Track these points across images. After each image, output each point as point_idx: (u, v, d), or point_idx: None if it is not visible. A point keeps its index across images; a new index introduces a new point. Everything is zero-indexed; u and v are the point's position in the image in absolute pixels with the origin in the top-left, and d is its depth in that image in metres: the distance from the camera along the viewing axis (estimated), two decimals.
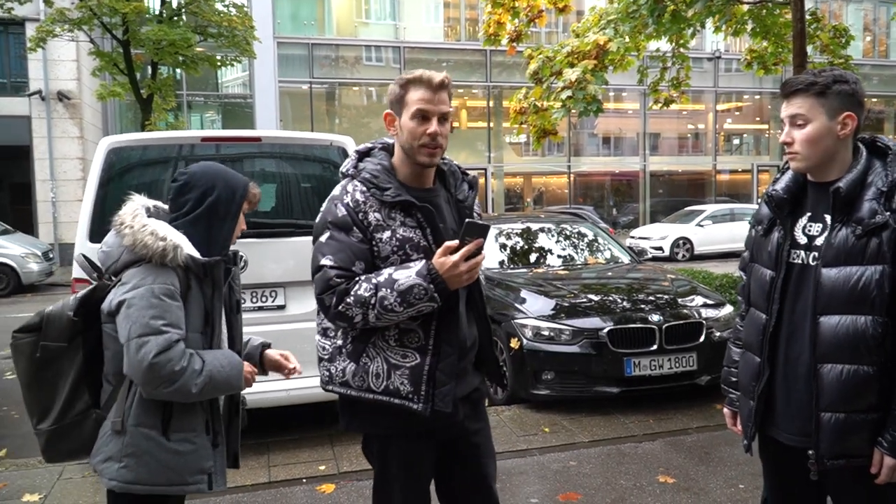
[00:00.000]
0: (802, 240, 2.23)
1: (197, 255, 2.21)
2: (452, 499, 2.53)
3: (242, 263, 4.69)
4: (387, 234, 2.19)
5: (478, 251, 2.16)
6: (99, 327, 2.26)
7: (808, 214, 2.25)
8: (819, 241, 2.18)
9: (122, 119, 24.07)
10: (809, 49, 9.44)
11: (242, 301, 2.56)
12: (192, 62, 15.74)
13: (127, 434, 2.18)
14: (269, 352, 2.59)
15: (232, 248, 2.44)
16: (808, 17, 9.12)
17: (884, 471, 2.11)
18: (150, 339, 2.08)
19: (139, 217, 2.22)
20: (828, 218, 2.18)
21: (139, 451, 2.18)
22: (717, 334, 5.89)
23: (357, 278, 2.16)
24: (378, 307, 2.11)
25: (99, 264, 2.31)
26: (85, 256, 2.43)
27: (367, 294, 2.12)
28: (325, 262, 2.18)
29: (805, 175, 2.27)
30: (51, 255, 16.22)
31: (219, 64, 17.35)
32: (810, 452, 2.18)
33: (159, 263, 2.15)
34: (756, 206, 24.83)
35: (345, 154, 5.09)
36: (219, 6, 16.44)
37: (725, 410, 2.62)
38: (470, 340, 2.39)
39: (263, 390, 4.68)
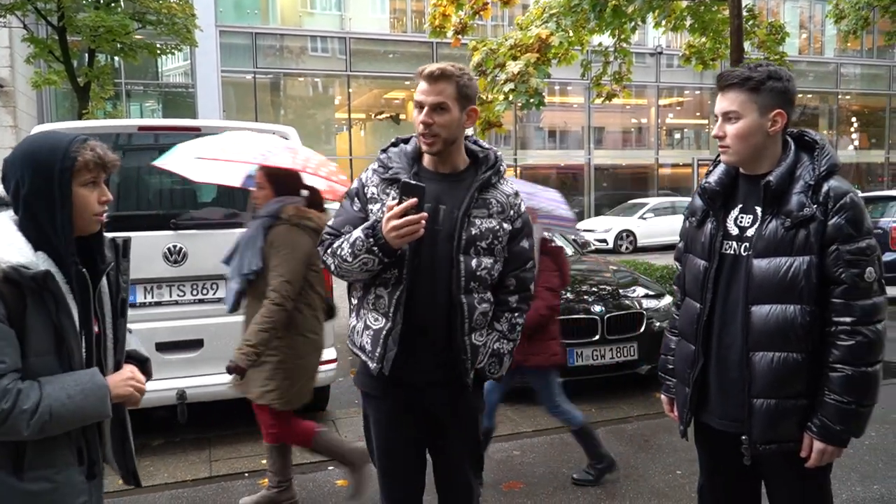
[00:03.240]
0: (734, 231, 2.30)
1: (29, 263, 1.79)
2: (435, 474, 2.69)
3: (181, 256, 4.62)
4: (377, 205, 2.39)
5: (416, 211, 2.22)
6: None
7: (740, 206, 2.31)
8: (750, 233, 2.25)
9: (58, 108, 23.35)
10: (747, 45, 9.67)
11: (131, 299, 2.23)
12: (131, 50, 15.29)
13: None
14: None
15: (122, 235, 2.12)
16: (745, 13, 9.36)
17: (813, 455, 2.18)
18: None
19: None
20: (758, 210, 2.25)
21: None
22: (658, 324, 6.01)
23: (341, 236, 2.43)
24: (337, 256, 2.38)
25: None
26: None
27: (335, 245, 2.41)
28: (328, 224, 2.52)
29: (737, 168, 2.33)
30: None
31: (158, 52, 16.91)
32: (743, 438, 2.25)
33: None
34: None
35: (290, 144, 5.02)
36: None
37: (663, 397, 2.67)
38: (436, 323, 2.39)
39: (204, 384, 4.63)
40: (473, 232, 2.37)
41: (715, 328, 2.33)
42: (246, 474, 4.44)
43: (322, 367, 4.99)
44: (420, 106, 2.37)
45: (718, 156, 2.38)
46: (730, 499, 2.52)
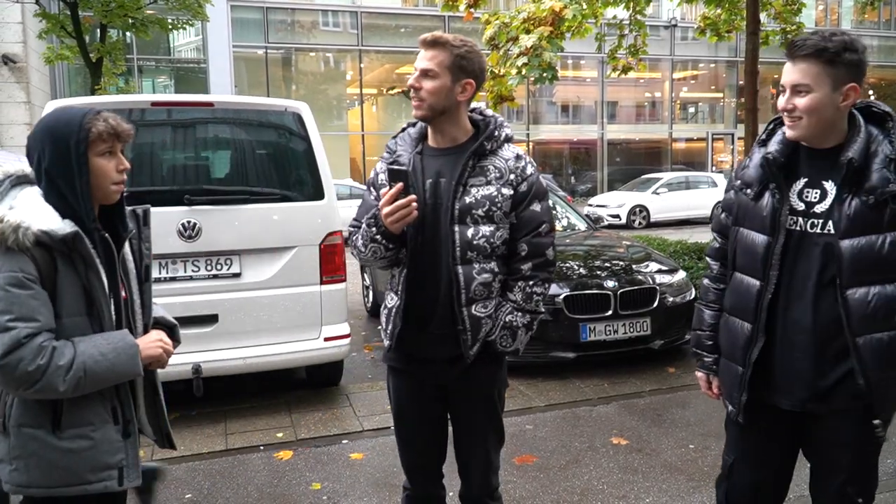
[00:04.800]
0: (800, 206, 2.20)
1: (58, 228, 1.90)
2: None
3: (196, 231, 4.63)
4: (384, 190, 2.38)
5: (404, 194, 2.26)
6: None
7: (805, 180, 2.21)
8: (819, 209, 2.16)
9: (71, 83, 23.41)
10: (763, 16, 9.54)
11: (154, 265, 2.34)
12: (143, 25, 15.28)
13: (11, 435, 1.98)
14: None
15: (140, 206, 2.21)
16: None
17: None
18: None
19: None
20: (827, 185, 2.16)
21: (26, 454, 1.97)
22: (671, 299, 6.00)
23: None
24: (356, 247, 2.48)
25: None
26: None
27: (355, 237, 2.49)
28: (353, 217, 2.56)
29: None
30: None
31: (170, 27, 16.91)
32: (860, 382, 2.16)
33: (4, 248, 1.87)
34: (709, 174, 25.00)
35: (300, 120, 5.03)
36: None
37: (700, 374, 2.57)
38: (440, 297, 2.42)
39: (219, 358, 4.68)
40: (468, 201, 2.36)
41: (780, 307, 2.24)
42: (261, 447, 4.48)
43: (335, 343, 5.06)
44: (414, 73, 2.42)
45: (771, 124, 2.29)
46: (765, 478, 2.45)
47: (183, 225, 4.62)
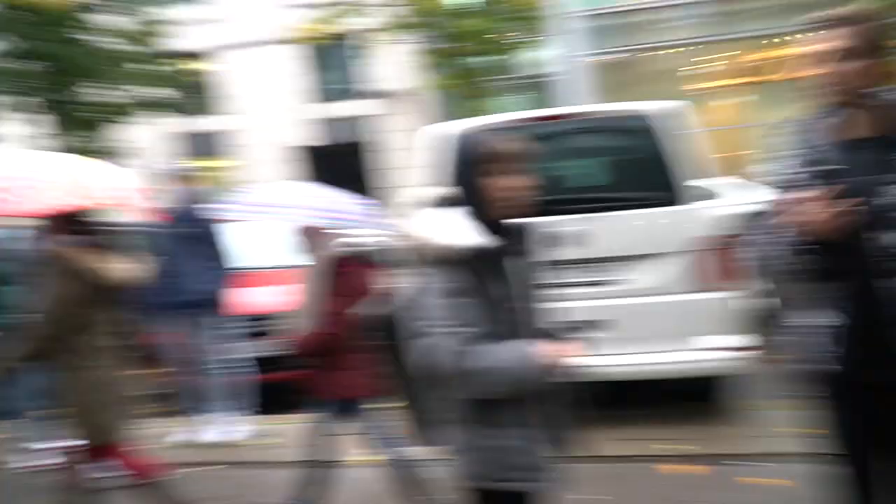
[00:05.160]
0: None
1: (471, 243, 2.11)
2: None
3: (586, 238, 4.73)
4: (808, 193, 2.18)
5: (834, 196, 2.06)
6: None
7: None
8: None
9: (448, 108, 25.74)
10: None
11: (543, 280, 2.42)
12: (508, 48, 16.56)
13: (464, 430, 2.20)
14: None
15: (529, 219, 2.32)
16: None
17: None
18: (431, 341, 2.09)
19: (416, 216, 2.28)
20: None
21: (473, 447, 2.18)
22: None
23: None
24: (769, 256, 2.34)
25: None
26: None
27: (764, 245, 2.38)
28: None
29: None
30: None
31: (525, 46, 18.07)
32: None
33: (441, 262, 2.13)
34: None
35: (671, 122, 4.89)
36: None
37: None
38: (876, 316, 2.17)
39: (607, 364, 4.62)
40: (887, 202, 2.09)
41: None
42: (647, 457, 4.40)
43: (727, 354, 4.73)
44: (816, 56, 2.19)
45: None
46: None
47: (572, 232, 4.70)
